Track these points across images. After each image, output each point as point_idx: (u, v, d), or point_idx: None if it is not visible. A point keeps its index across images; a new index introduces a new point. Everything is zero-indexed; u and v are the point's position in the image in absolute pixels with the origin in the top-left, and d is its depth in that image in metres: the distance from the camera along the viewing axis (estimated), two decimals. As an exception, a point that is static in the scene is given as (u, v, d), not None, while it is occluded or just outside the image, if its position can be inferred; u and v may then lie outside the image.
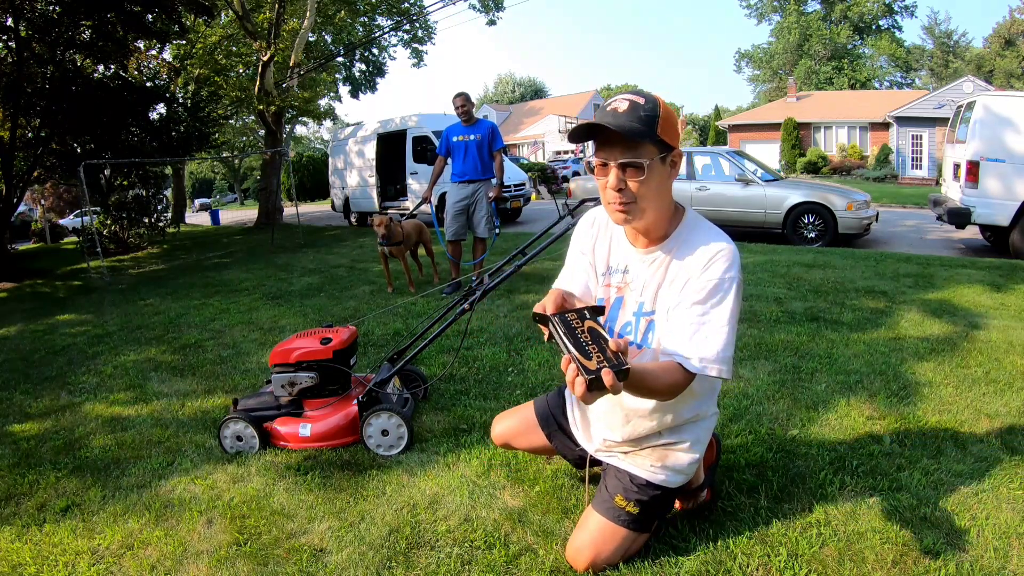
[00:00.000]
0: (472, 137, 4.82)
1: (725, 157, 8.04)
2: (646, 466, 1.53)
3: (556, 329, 1.09)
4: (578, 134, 1.33)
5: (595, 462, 1.68)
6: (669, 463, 1.52)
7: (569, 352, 1.05)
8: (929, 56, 36.63)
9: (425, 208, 5.43)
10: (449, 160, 5.03)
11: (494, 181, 4.95)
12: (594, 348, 1.06)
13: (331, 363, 2.33)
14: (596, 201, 2.30)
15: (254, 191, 36.44)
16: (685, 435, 1.52)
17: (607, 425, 1.58)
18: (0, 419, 2.95)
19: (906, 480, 1.85)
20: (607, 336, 1.10)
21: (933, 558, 1.51)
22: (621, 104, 1.29)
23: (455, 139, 4.88)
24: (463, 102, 4.81)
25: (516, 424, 1.85)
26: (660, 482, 1.52)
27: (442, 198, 9.88)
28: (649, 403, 1.46)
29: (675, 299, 1.36)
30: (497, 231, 5.17)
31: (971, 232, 7.24)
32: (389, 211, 11.75)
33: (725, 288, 1.32)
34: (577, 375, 1.05)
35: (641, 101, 1.29)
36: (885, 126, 22.39)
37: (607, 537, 1.50)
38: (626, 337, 1.46)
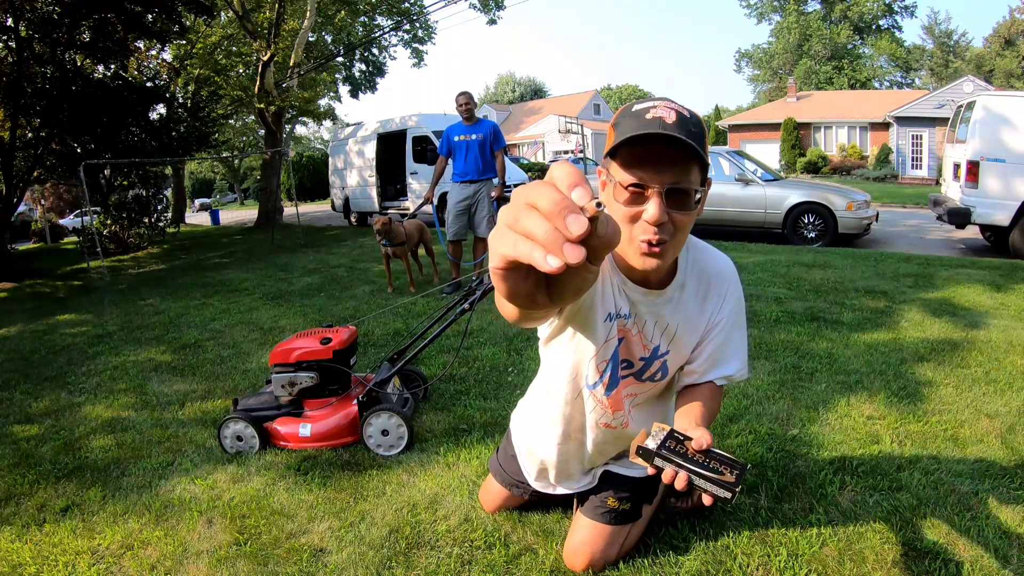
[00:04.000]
0: (474, 136, 4.80)
1: (725, 157, 8.03)
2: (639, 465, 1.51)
3: (673, 461, 1.08)
4: (632, 143, 1.02)
5: (585, 495, 1.58)
6: None
7: (702, 477, 1.05)
8: (929, 56, 36.61)
9: (427, 208, 5.42)
10: (450, 160, 5.02)
11: (496, 181, 4.95)
12: (715, 463, 1.07)
13: (331, 363, 2.33)
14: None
15: (254, 191, 36.43)
16: None
17: (600, 458, 1.53)
18: (0, 419, 2.95)
19: (906, 480, 1.85)
20: (714, 449, 1.09)
21: (933, 558, 1.51)
22: (668, 114, 1.02)
23: (456, 139, 4.85)
24: (466, 100, 4.77)
25: (495, 497, 1.80)
26: (647, 473, 1.51)
27: (442, 198, 9.89)
28: (651, 414, 1.45)
29: (699, 330, 1.34)
30: None
31: (971, 232, 7.24)
32: (389, 211, 11.75)
33: (741, 307, 1.37)
34: (714, 491, 1.03)
35: (687, 114, 1.05)
36: (885, 126, 22.38)
37: (602, 536, 1.51)
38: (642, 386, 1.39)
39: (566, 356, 1.36)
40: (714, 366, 1.35)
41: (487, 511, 1.84)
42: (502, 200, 5.02)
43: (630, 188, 1.04)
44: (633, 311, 1.27)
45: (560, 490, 1.60)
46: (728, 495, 1.02)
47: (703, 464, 1.05)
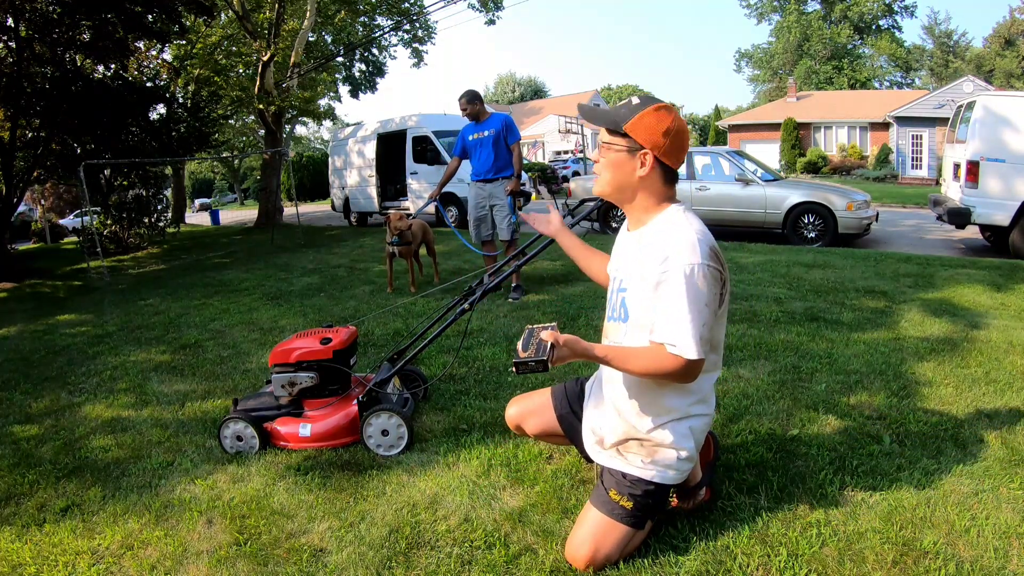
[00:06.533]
0: (487, 133, 4.66)
1: (725, 157, 8.04)
2: (636, 463, 1.55)
3: (521, 341, 1.44)
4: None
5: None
6: (658, 459, 1.54)
7: (521, 350, 1.40)
8: (929, 56, 36.61)
9: (429, 208, 5.34)
10: (466, 160, 4.93)
11: (512, 176, 4.76)
12: (539, 349, 1.38)
13: (331, 363, 2.33)
14: (596, 201, 2.30)
15: (254, 191, 36.40)
16: (669, 430, 1.53)
17: (602, 422, 1.65)
18: (0, 419, 2.95)
19: (906, 480, 1.85)
20: (554, 344, 1.39)
21: (933, 558, 1.51)
22: (627, 101, 1.56)
23: (471, 138, 4.72)
24: (465, 103, 4.63)
25: (531, 405, 1.88)
26: (651, 478, 1.54)
27: (444, 196, 9.86)
28: (639, 391, 1.54)
29: (641, 283, 1.49)
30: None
31: (971, 232, 7.24)
32: (389, 211, 11.76)
33: (683, 276, 1.38)
34: (515, 358, 1.38)
35: (636, 102, 1.52)
36: (885, 126, 22.39)
37: (604, 532, 1.52)
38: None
39: None
40: (660, 326, 1.43)
41: (508, 421, 1.91)
42: (519, 194, 4.85)
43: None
44: (618, 250, 1.67)
45: (586, 427, 1.72)
46: (514, 361, 1.37)
47: (526, 345, 1.40)
